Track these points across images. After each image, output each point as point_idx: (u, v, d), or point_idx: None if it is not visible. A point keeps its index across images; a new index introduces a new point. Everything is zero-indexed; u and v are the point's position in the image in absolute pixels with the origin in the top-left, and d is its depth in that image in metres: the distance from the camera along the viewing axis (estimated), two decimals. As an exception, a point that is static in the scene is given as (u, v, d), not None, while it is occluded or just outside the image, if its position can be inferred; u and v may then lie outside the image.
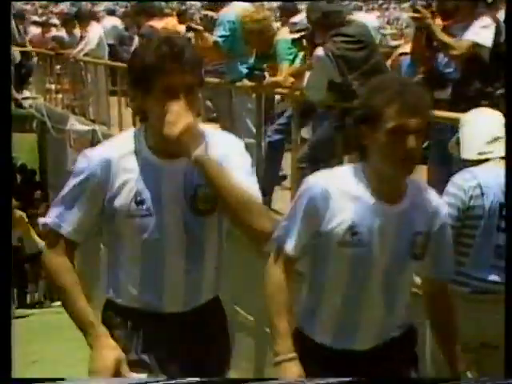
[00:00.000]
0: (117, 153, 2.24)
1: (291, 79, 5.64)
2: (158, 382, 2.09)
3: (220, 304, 2.43)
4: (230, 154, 2.26)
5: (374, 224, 2.29)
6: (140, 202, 2.21)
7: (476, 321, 2.93)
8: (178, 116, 2.11)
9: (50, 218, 2.28)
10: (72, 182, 2.26)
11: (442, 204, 2.44)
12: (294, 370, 2.31)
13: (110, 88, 9.94)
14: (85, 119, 10.48)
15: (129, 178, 2.22)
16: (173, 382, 2.16)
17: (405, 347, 2.47)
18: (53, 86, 12.46)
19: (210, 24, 7.10)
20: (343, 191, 2.29)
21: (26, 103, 12.69)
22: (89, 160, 2.24)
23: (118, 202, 2.22)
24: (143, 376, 2.23)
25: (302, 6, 7.77)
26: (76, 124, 10.33)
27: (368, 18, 7.18)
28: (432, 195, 2.41)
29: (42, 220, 2.30)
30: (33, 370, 6.09)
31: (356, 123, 2.29)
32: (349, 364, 2.37)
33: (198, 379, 2.19)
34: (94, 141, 9.59)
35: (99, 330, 2.24)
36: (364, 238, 2.28)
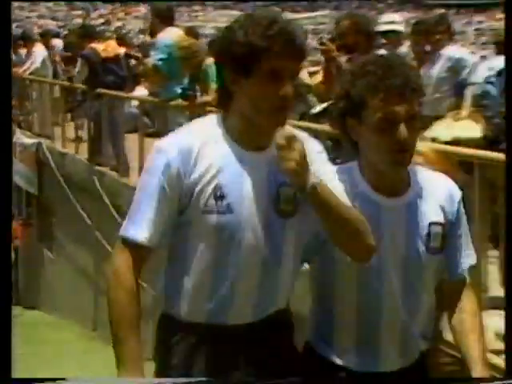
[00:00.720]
0: (196, 141, 1.79)
1: (221, 99, 5.71)
2: (157, 383, 1.81)
3: (289, 316, 1.97)
4: (320, 163, 1.86)
5: (380, 220, 1.87)
6: (220, 197, 1.78)
7: None
8: (290, 148, 1.69)
9: (125, 227, 1.81)
10: (148, 180, 1.80)
11: (455, 190, 1.98)
12: None
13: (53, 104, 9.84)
14: (30, 133, 10.31)
15: (208, 170, 1.78)
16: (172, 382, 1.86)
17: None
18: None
19: (147, 49, 7.11)
20: (344, 190, 1.90)
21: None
22: (166, 153, 1.78)
23: (194, 196, 1.78)
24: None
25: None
26: (22, 137, 10.16)
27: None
28: (443, 181, 1.98)
29: (120, 233, 1.82)
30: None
31: (340, 115, 1.89)
32: None
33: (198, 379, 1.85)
34: (38, 153, 9.48)
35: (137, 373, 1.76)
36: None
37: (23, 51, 10.98)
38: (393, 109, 1.80)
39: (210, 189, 1.78)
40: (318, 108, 4.88)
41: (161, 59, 6.39)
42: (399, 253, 1.89)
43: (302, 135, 1.85)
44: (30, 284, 9.97)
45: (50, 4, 29.92)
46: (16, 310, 10.38)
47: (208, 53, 5.83)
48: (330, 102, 5.00)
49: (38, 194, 9.66)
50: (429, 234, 1.90)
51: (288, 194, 1.82)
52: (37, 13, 27.40)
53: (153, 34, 7.00)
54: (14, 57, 11.38)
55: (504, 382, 1.92)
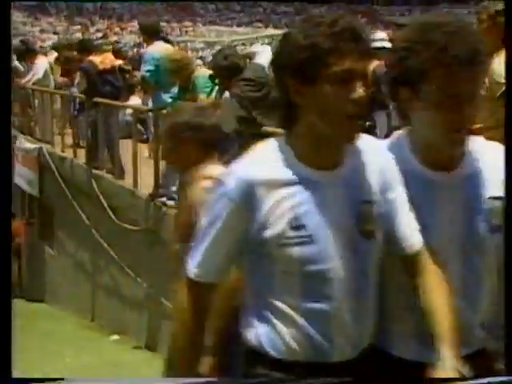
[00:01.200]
0: (260, 171, 1.49)
1: (208, 109, 5.74)
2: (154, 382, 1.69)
3: (377, 350, 1.63)
4: (393, 184, 1.56)
5: (435, 199, 1.57)
6: (298, 227, 1.48)
7: None
8: None
9: (188, 266, 1.59)
10: (207, 214, 1.55)
11: None
12: None
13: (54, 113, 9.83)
14: (32, 138, 10.28)
15: (280, 200, 1.48)
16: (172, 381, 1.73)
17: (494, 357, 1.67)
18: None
19: (136, 62, 7.15)
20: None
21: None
22: (225, 186, 1.51)
23: (269, 230, 1.48)
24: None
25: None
26: (24, 142, 10.12)
27: (265, 53, 7.22)
28: (501, 150, 1.62)
29: (186, 269, 1.60)
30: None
31: (393, 83, 1.57)
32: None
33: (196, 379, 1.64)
34: (40, 157, 9.45)
35: None
36: (424, 216, 1.56)
37: (26, 63, 10.94)
38: (458, 86, 1.47)
39: (286, 220, 1.48)
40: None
41: (148, 71, 6.43)
42: (457, 233, 1.58)
43: (371, 146, 1.57)
44: (32, 279, 9.93)
45: (51, 19, 29.80)
46: (20, 303, 10.35)
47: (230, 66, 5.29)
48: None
49: (39, 195, 9.62)
50: (489, 210, 1.58)
51: (370, 212, 1.53)
52: (38, 27, 27.29)
53: (143, 47, 7.04)
54: (21, 67, 11.40)
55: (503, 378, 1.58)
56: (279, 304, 1.53)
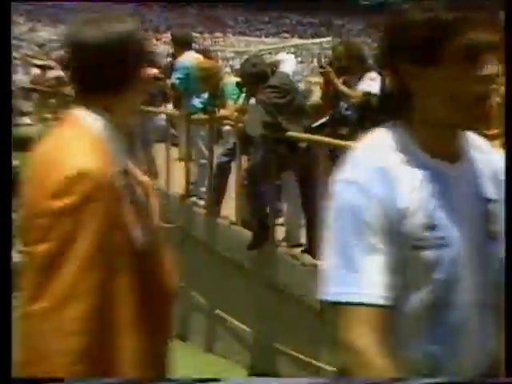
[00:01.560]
0: (386, 160, 1.23)
1: (236, 114, 5.76)
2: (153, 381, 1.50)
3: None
4: (501, 189, 1.31)
5: None
6: (433, 227, 1.22)
7: None
8: None
9: (336, 289, 1.20)
10: (346, 223, 1.20)
11: None
12: None
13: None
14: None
15: (413, 195, 1.22)
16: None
17: None
18: (49, 116, 12.38)
19: (168, 70, 7.24)
20: None
21: (26, 128, 12.60)
22: (358, 184, 1.21)
23: (403, 230, 1.21)
24: None
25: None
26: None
27: (289, 62, 7.17)
28: None
29: (326, 296, 1.21)
30: None
31: None
32: None
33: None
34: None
35: None
36: None
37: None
38: None
39: (419, 218, 1.22)
40: (319, 122, 4.96)
41: (178, 78, 6.50)
42: None
43: (478, 142, 1.35)
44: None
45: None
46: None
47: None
48: (327, 118, 5.13)
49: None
50: None
51: (497, 211, 1.29)
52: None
53: (175, 57, 7.12)
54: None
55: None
56: (402, 317, 1.23)
